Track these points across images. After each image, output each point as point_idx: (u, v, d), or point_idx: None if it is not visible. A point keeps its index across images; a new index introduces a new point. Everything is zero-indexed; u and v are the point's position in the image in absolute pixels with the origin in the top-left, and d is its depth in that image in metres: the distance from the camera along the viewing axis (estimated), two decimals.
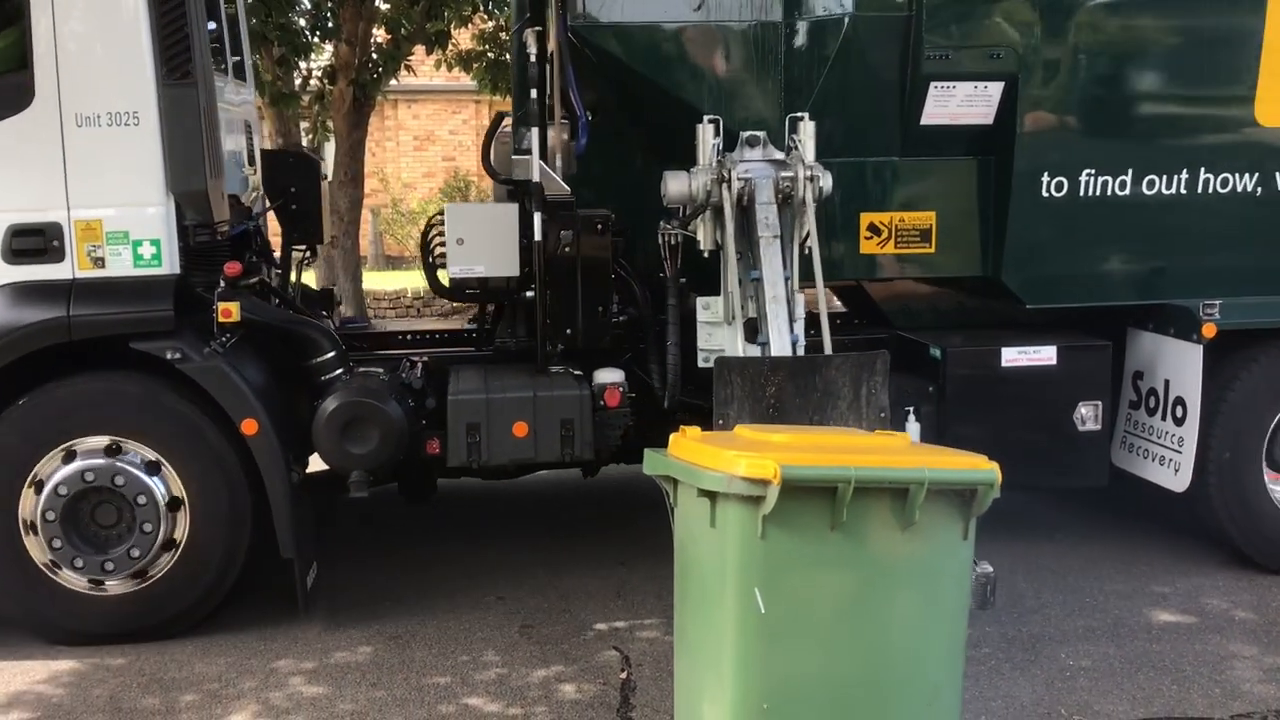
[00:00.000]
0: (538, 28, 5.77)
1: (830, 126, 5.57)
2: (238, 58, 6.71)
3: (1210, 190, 5.76)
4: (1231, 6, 5.62)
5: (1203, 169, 5.73)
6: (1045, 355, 5.83)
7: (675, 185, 5.27)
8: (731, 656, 3.41)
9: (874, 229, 5.85)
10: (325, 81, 12.13)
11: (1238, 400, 5.83)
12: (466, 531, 6.94)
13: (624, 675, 4.95)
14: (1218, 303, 5.67)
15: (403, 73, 12.62)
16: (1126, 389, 6.18)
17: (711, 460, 3.48)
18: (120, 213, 5.11)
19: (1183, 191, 5.75)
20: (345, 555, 6.45)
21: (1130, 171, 5.70)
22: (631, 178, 6.18)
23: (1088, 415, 5.88)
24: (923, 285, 6.28)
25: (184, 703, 4.74)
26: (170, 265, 5.17)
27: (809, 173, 5.12)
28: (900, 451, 3.66)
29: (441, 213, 5.78)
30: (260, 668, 5.07)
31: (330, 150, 12.84)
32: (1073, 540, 6.58)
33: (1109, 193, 5.71)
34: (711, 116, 5.29)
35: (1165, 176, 5.72)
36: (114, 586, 5.27)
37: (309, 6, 11.55)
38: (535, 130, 5.61)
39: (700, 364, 5.39)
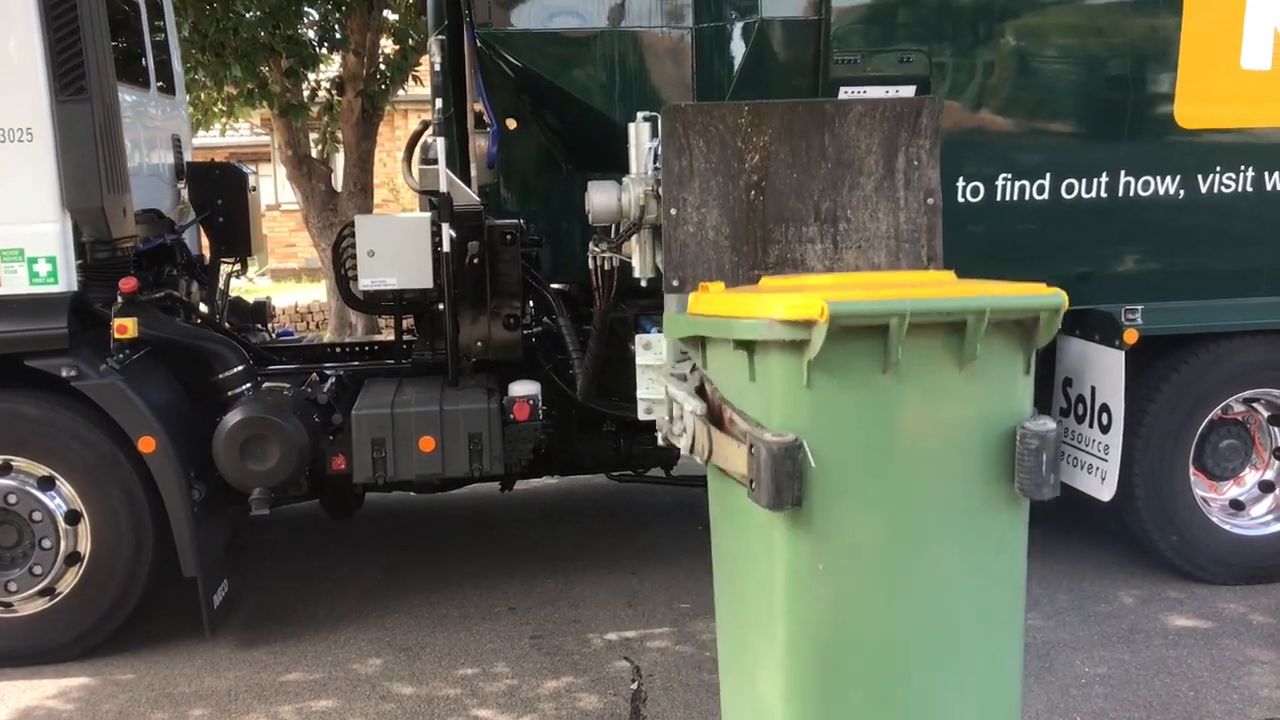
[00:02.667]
0: (442, 36, 5.72)
1: None
2: (163, 77, 6.68)
3: (1132, 194, 5.64)
4: (1148, 7, 5.49)
5: (1123, 172, 5.61)
6: None
7: (601, 199, 4.39)
8: (781, 520, 3.03)
9: None
10: (333, 93, 12.11)
11: (1162, 407, 5.71)
12: (477, 539, 6.93)
13: (634, 686, 4.92)
14: (1139, 308, 5.55)
15: (411, 83, 12.60)
16: (1058, 396, 6.06)
17: (746, 308, 3.07)
18: (14, 230, 5.08)
19: (1103, 195, 5.62)
20: (351, 564, 6.47)
21: (1048, 176, 5.59)
22: (559, 185, 6.12)
23: None
24: None
25: (193, 716, 4.78)
26: (67, 282, 5.14)
27: None
28: (952, 283, 3.25)
29: (352, 224, 5.73)
30: (270, 681, 5.09)
31: (340, 161, 12.80)
32: (1085, 545, 6.48)
33: (1027, 197, 5.60)
34: (648, 114, 4.42)
35: (1084, 180, 5.60)
36: (24, 606, 5.27)
37: (317, 18, 11.54)
38: (442, 140, 5.56)
39: (641, 416, 4.46)
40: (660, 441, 3.98)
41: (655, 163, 4.17)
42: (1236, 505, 6.02)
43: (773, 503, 2.98)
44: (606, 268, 4.70)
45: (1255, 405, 5.96)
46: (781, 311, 2.93)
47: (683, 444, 3.56)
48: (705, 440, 3.35)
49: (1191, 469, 5.82)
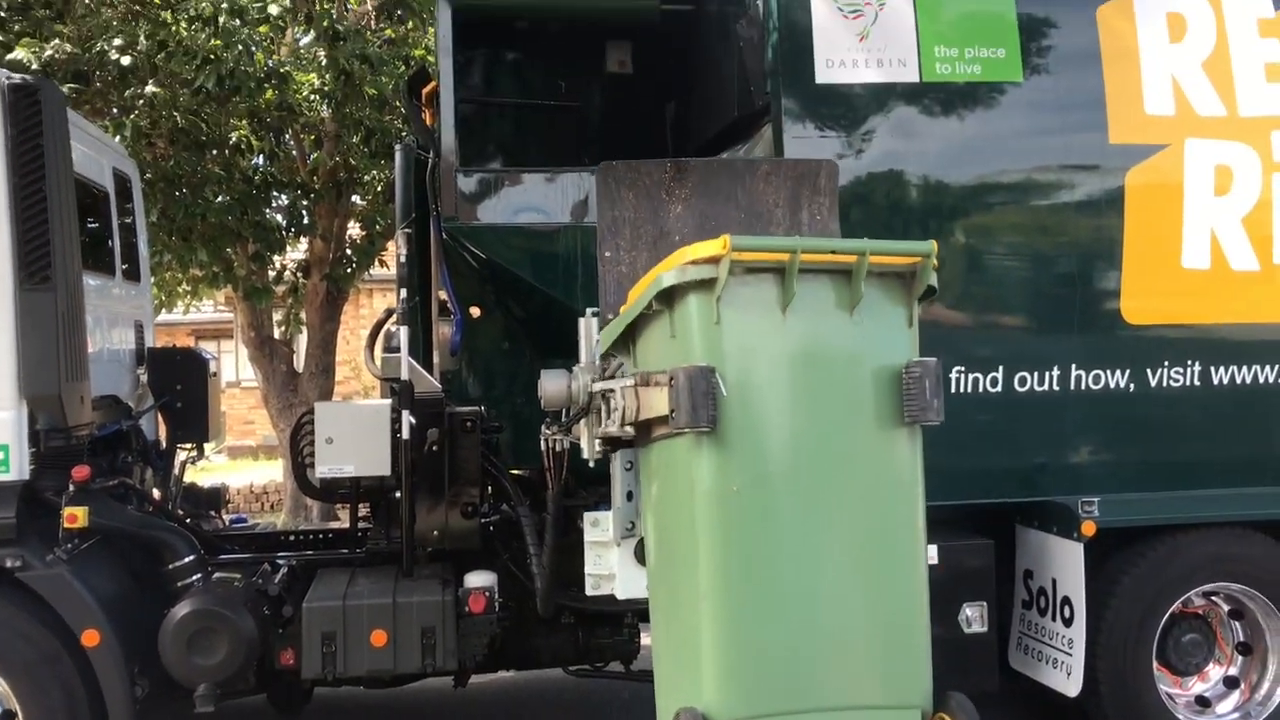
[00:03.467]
0: (409, 230, 5.84)
1: None
2: (128, 261, 6.74)
3: (1083, 387, 5.74)
4: (1092, 208, 5.70)
5: (1074, 366, 5.72)
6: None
7: (552, 386, 4.60)
8: (699, 448, 3.58)
9: None
10: (299, 276, 12.22)
11: (1124, 600, 5.69)
12: None
13: None
14: (1096, 500, 5.59)
15: (376, 264, 12.76)
16: (1019, 588, 6.03)
17: (666, 265, 3.64)
18: None
19: (1055, 389, 5.72)
20: None
21: (1001, 369, 5.69)
22: (521, 372, 6.17)
23: (973, 616, 5.71)
24: None
25: None
26: (19, 471, 5.07)
27: None
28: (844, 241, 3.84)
29: (311, 411, 5.71)
30: None
31: (302, 341, 12.83)
32: None
33: (981, 390, 5.69)
34: (595, 309, 4.73)
35: (1036, 374, 5.71)
36: None
37: (286, 203, 11.73)
38: (405, 329, 5.62)
39: (589, 591, 4.66)
40: (588, 454, 4.41)
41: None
42: (1202, 702, 5.94)
43: (690, 421, 3.53)
44: (557, 449, 4.86)
45: (1215, 599, 5.95)
46: (692, 253, 3.57)
47: (614, 423, 4.06)
48: (633, 402, 3.89)
49: (1155, 664, 5.76)
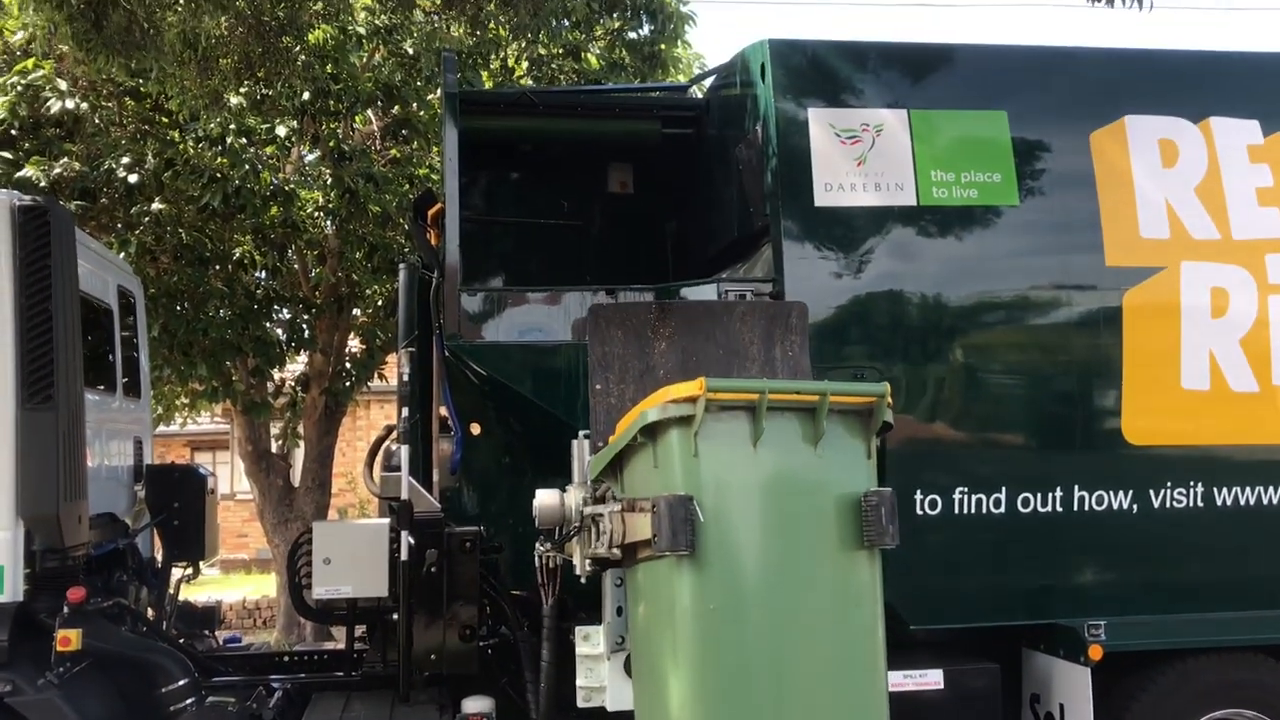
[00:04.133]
0: (410, 348, 5.87)
1: None
2: (129, 375, 6.76)
3: (1087, 508, 5.71)
4: (1090, 327, 5.74)
5: (1077, 487, 5.70)
6: (932, 679, 5.60)
7: (546, 504, 4.76)
8: (679, 569, 3.94)
9: None
10: (297, 389, 12.23)
11: None
12: None
13: None
14: (1103, 623, 5.52)
15: (375, 378, 12.77)
16: (1026, 713, 5.92)
17: (649, 402, 4.03)
18: None
19: (1059, 510, 5.69)
20: None
21: (1004, 490, 5.67)
22: (522, 490, 6.12)
23: None
24: None
25: None
26: (13, 592, 5.01)
27: None
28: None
29: (309, 531, 5.67)
30: None
31: (299, 456, 12.79)
32: None
33: (984, 511, 5.66)
34: (587, 432, 4.92)
35: (1040, 494, 5.68)
36: None
37: (287, 317, 11.80)
38: (405, 448, 5.61)
39: (580, 704, 4.73)
40: (580, 571, 4.61)
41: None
42: None
43: (670, 545, 3.90)
44: (550, 566, 5.00)
45: None
46: (673, 392, 4.00)
47: (603, 545, 4.34)
48: (620, 526, 4.23)
49: None
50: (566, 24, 9.56)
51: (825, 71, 5.89)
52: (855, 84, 5.90)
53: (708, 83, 7.31)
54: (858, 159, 5.70)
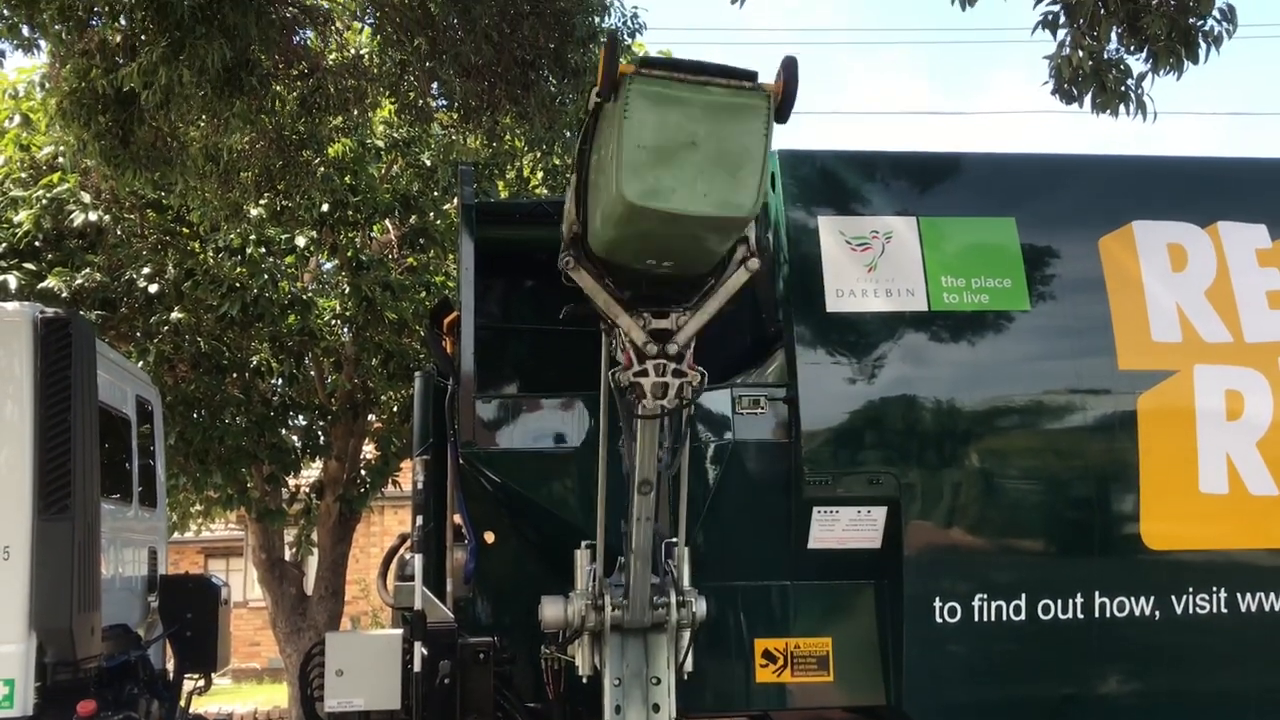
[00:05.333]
0: (425, 456, 5.88)
1: (720, 548, 5.55)
2: (145, 484, 6.78)
3: (1108, 615, 5.63)
4: (1105, 431, 5.72)
5: (1097, 593, 5.63)
6: None
7: (551, 611, 5.12)
8: None
9: (769, 656, 5.68)
10: (312, 496, 12.24)
11: None
12: None
13: None
14: None
15: (389, 485, 12.78)
16: None
17: None
18: None
19: (1079, 616, 5.61)
20: None
21: (1024, 596, 5.60)
22: (536, 599, 6.07)
23: None
24: (827, 715, 6.02)
25: None
26: (23, 707, 4.97)
27: (682, 598, 5.02)
28: None
29: (322, 642, 5.62)
30: None
31: (313, 564, 12.73)
32: None
33: (1004, 618, 5.58)
34: (589, 542, 5.20)
35: (1060, 601, 5.61)
36: None
37: (302, 424, 11.85)
38: (419, 557, 5.58)
39: None
40: (583, 672, 5.05)
41: (595, 581, 5.09)
42: None
43: None
44: (555, 668, 5.31)
45: None
46: None
47: None
48: None
49: None
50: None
51: (835, 181, 5.99)
52: (865, 192, 5.99)
53: None
54: (868, 265, 5.76)
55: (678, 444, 4.73)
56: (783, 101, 3.51)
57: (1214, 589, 5.68)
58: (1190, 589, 5.67)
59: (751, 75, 3.54)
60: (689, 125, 3.46)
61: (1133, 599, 5.65)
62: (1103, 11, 4.77)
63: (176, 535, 14.39)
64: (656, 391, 4.11)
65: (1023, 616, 5.59)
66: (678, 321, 4.01)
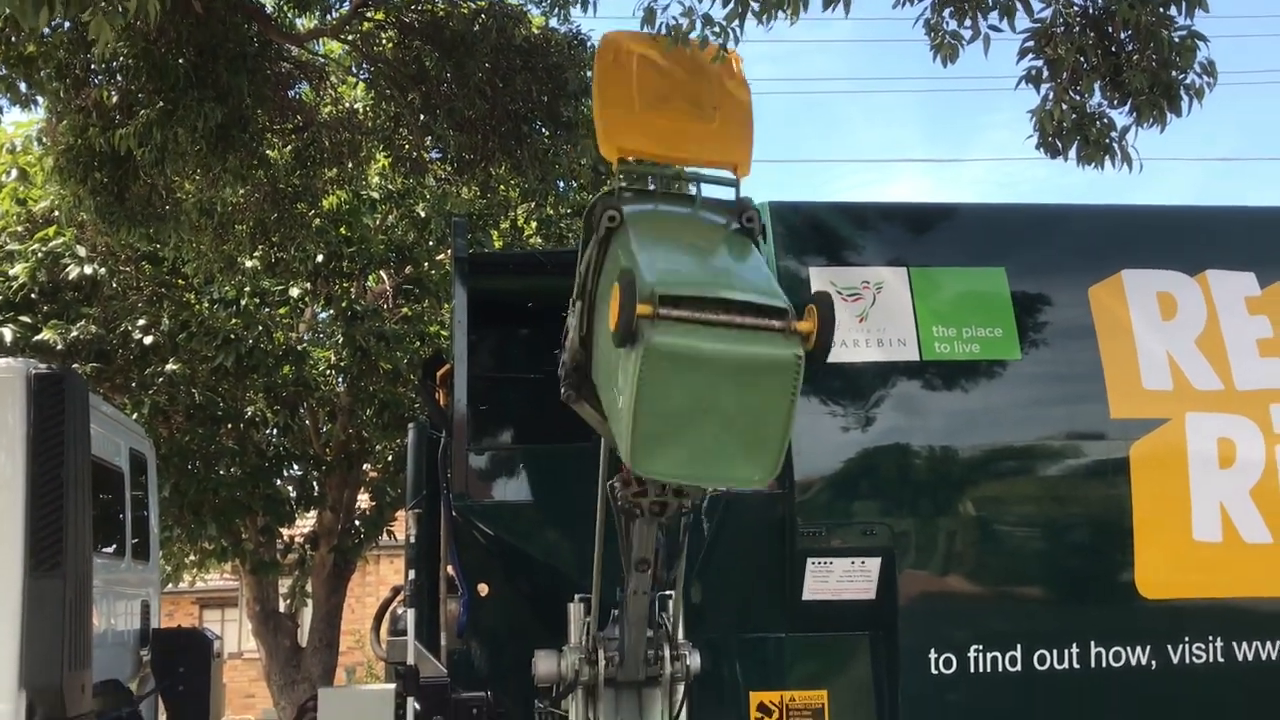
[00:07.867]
0: (417, 510, 5.88)
1: (715, 600, 5.52)
2: (138, 535, 6.75)
3: (1104, 664, 5.60)
4: (1097, 479, 5.73)
5: (1093, 643, 5.61)
6: None
7: (544, 666, 5.06)
8: None
9: (764, 709, 5.64)
10: (306, 547, 12.21)
11: None
12: None
13: None
14: None
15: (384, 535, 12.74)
16: None
17: None
18: None
19: (1076, 666, 5.59)
20: None
21: (1019, 647, 5.58)
22: (529, 653, 6.04)
23: None
24: None
25: None
26: None
27: (675, 652, 4.99)
28: None
29: (314, 698, 5.58)
30: None
31: (307, 615, 12.66)
32: None
33: (1000, 669, 5.56)
34: (583, 595, 5.15)
35: (1055, 651, 5.58)
36: None
37: (297, 474, 11.83)
38: (412, 612, 5.55)
39: None
40: None
41: (588, 635, 5.00)
42: None
43: None
44: None
45: None
46: None
47: None
48: None
49: None
50: (574, 186, 9.82)
51: (825, 231, 6.03)
52: (855, 243, 6.03)
53: None
54: (859, 315, 5.78)
55: (674, 556, 4.74)
56: (818, 343, 3.28)
57: (1210, 637, 5.66)
58: (1186, 638, 5.65)
59: (782, 313, 3.27)
60: (710, 391, 3.22)
61: (1128, 648, 5.63)
62: (1085, 66, 4.82)
63: (171, 586, 14.30)
64: (654, 509, 4.11)
65: (1019, 667, 5.57)
66: None
